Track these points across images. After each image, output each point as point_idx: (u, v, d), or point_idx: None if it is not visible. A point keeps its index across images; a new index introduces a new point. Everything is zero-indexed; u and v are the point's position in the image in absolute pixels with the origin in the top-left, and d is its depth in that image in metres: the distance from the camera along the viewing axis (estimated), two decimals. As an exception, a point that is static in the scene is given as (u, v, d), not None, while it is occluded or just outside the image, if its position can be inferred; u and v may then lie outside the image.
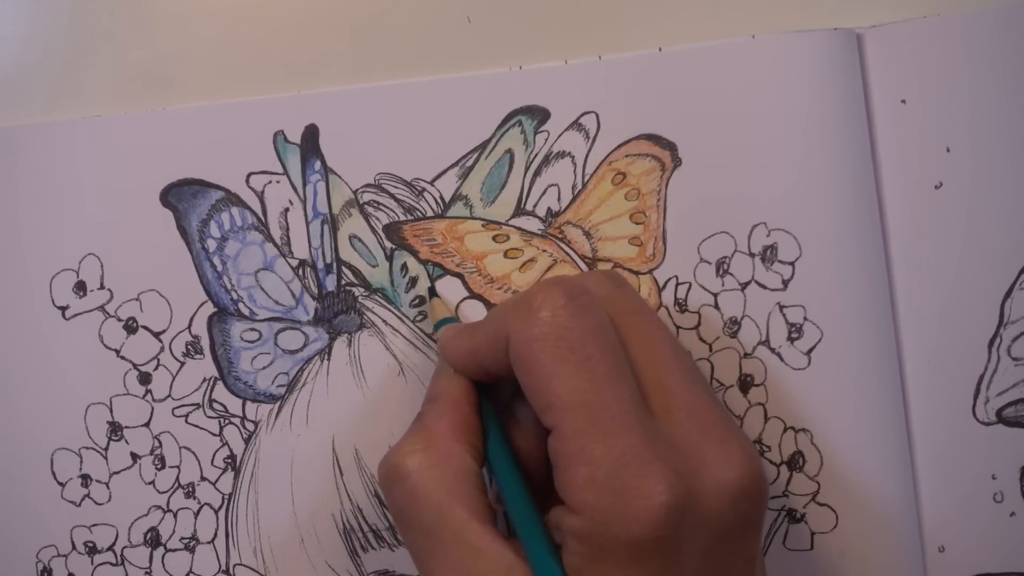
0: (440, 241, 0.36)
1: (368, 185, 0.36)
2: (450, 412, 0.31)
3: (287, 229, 0.37)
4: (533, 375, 0.28)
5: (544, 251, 0.36)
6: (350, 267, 0.36)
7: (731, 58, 0.35)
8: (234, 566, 0.37)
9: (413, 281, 0.36)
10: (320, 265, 0.36)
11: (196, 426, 0.37)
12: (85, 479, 0.37)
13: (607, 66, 0.36)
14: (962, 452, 0.35)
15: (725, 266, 0.36)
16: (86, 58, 0.38)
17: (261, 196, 0.37)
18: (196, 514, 0.37)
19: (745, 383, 0.36)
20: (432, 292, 0.36)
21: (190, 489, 0.37)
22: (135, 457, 0.37)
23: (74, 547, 0.37)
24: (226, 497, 0.37)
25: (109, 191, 0.37)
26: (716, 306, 0.36)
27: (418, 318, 0.36)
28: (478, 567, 0.28)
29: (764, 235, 0.35)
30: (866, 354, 0.35)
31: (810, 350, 0.35)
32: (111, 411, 0.37)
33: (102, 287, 0.37)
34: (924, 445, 0.35)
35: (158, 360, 0.37)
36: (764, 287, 0.36)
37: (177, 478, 0.37)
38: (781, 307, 0.35)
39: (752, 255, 0.36)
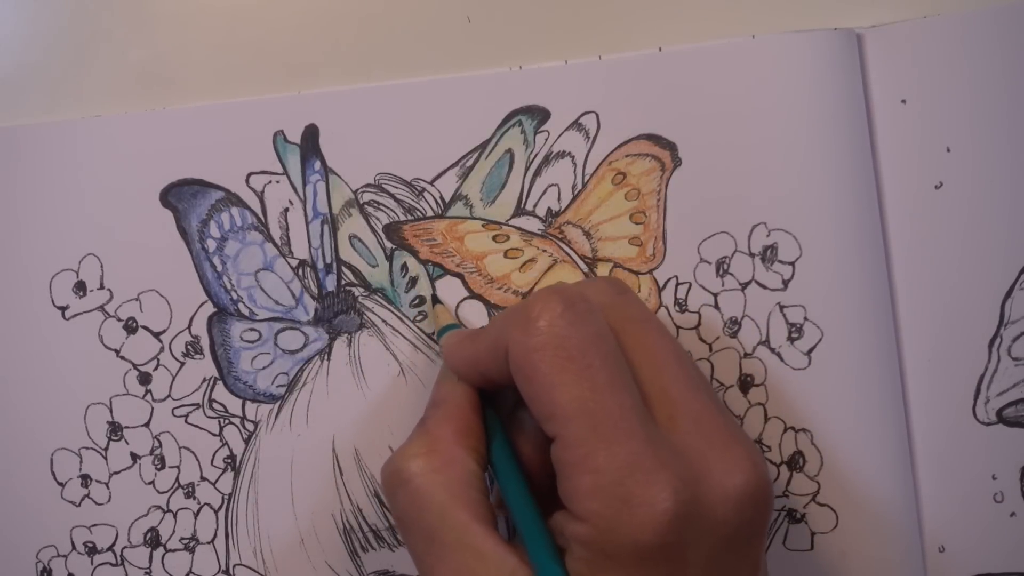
0: (440, 241, 0.36)
1: (368, 185, 0.36)
2: (453, 417, 0.31)
3: (287, 229, 0.37)
4: (533, 384, 0.28)
5: (544, 251, 0.36)
6: (350, 267, 0.36)
7: (731, 58, 0.35)
8: (234, 566, 0.37)
9: (413, 281, 0.36)
10: (320, 265, 0.36)
11: (196, 426, 0.37)
12: (85, 479, 0.37)
13: (607, 66, 0.36)
14: (962, 452, 0.35)
15: (725, 266, 0.36)
16: (86, 58, 0.38)
17: (261, 196, 0.37)
18: (196, 514, 0.37)
19: (745, 383, 0.36)
20: (435, 300, 0.36)
21: (190, 489, 0.37)
22: (135, 457, 0.37)
23: (74, 547, 0.37)
24: (226, 497, 0.37)
25: (109, 191, 0.37)
26: (716, 306, 0.36)
27: (418, 318, 0.36)
28: (481, 571, 0.28)
29: (764, 235, 0.35)
30: (866, 354, 0.35)
31: (810, 350, 0.35)
32: (111, 411, 0.37)
33: (102, 287, 0.37)
34: (924, 445, 0.35)
35: (158, 360, 0.37)
36: (764, 287, 0.35)
37: (177, 478, 0.37)
38: (781, 307, 0.35)
39: (752, 255, 0.36)
